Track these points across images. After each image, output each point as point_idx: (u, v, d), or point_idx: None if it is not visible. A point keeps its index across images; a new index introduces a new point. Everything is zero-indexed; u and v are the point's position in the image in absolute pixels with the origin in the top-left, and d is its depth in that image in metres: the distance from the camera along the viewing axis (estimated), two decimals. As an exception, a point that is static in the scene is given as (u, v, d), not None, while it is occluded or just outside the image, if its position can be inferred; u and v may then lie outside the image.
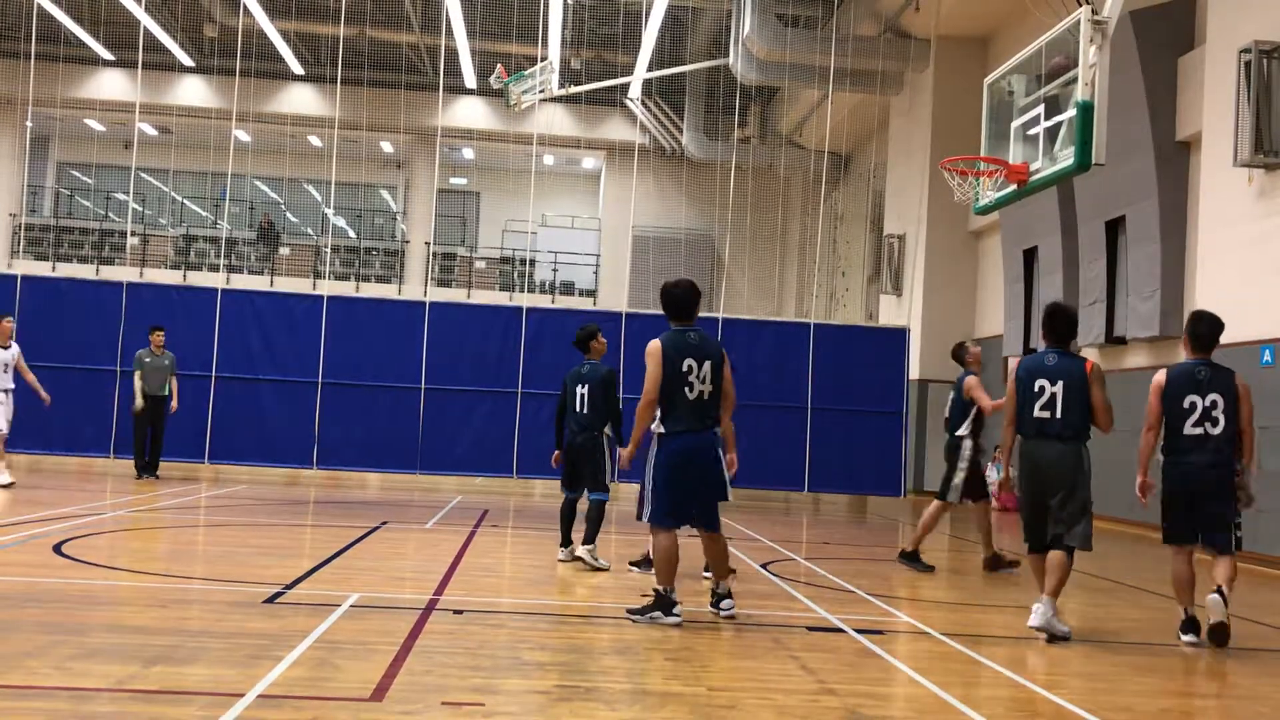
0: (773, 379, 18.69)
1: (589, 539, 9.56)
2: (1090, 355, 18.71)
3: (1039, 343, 21.41)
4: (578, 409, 9.58)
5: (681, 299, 7.44)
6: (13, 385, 14.12)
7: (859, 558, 11.73)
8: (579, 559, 9.58)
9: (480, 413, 18.18)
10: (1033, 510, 7.40)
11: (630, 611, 7.15)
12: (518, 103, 23.65)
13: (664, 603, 7.04)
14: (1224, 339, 14.08)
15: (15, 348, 14.29)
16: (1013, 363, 7.90)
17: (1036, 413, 7.34)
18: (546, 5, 23.52)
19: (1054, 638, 7.05)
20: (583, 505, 9.78)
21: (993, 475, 20.88)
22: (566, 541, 9.80)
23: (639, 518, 7.52)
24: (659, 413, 7.33)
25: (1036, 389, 7.37)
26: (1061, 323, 7.61)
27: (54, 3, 26.26)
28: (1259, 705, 5.86)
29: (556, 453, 9.90)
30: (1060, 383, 7.32)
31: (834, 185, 30.09)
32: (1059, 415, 7.29)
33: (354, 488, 18.06)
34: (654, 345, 7.30)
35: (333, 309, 18.40)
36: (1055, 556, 7.22)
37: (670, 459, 7.20)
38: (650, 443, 7.37)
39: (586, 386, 9.55)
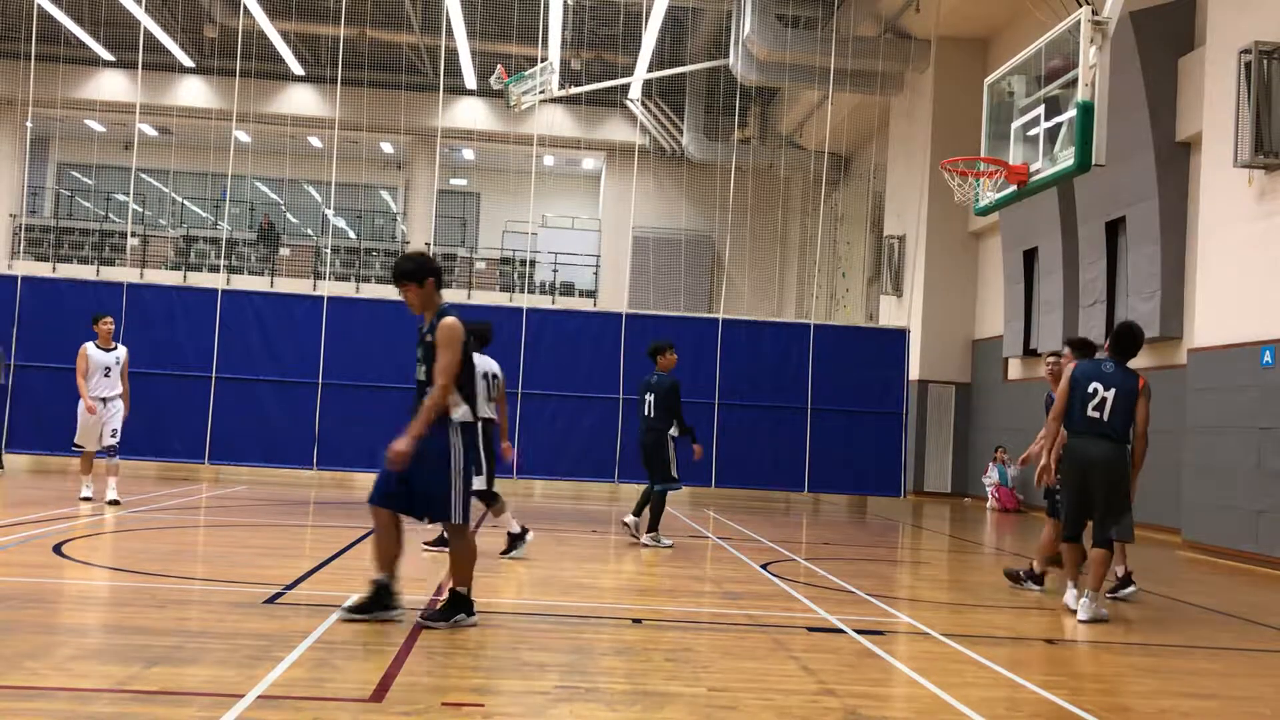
0: (773, 380, 18.70)
1: (652, 526, 11.27)
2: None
3: (1039, 343, 21.44)
4: (646, 413, 11.31)
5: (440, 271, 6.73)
6: (118, 390, 12.64)
7: (859, 558, 11.73)
8: (642, 545, 11.22)
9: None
10: (1079, 501, 8.11)
11: (429, 617, 6.49)
12: (518, 103, 23.65)
13: (466, 603, 6.58)
14: (1224, 340, 14.12)
15: (121, 350, 12.81)
16: (1070, 364, 8.49)
17: (1089, 412, 8.06)
18: (546, 6, 23.53)
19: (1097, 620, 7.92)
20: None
21: (993, 476, 20.91)
22: (637, 512, 11.49)
23: (455, 519, 6.49)
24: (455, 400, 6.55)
25: (1090, 390, 8.10)
26: (1127, 340, 8.32)
27: (54, 3, 26.27)
28: (1259, 706, 5.86)
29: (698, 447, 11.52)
30: (1113, 390, 8.06)
31: (834, 186, 30.10)
32: (1107, 418, 8.04)
33: (355, 488, 18.06)
34: (459, 325, 6.46)
35: (333, 310, 18.40)
36: (1099, 554, 8.00)
37: (472, 451, 6.64)
38: (447, 433, 6.47)
39: (654, 395, 11.30)
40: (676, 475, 11.32)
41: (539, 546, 11.14)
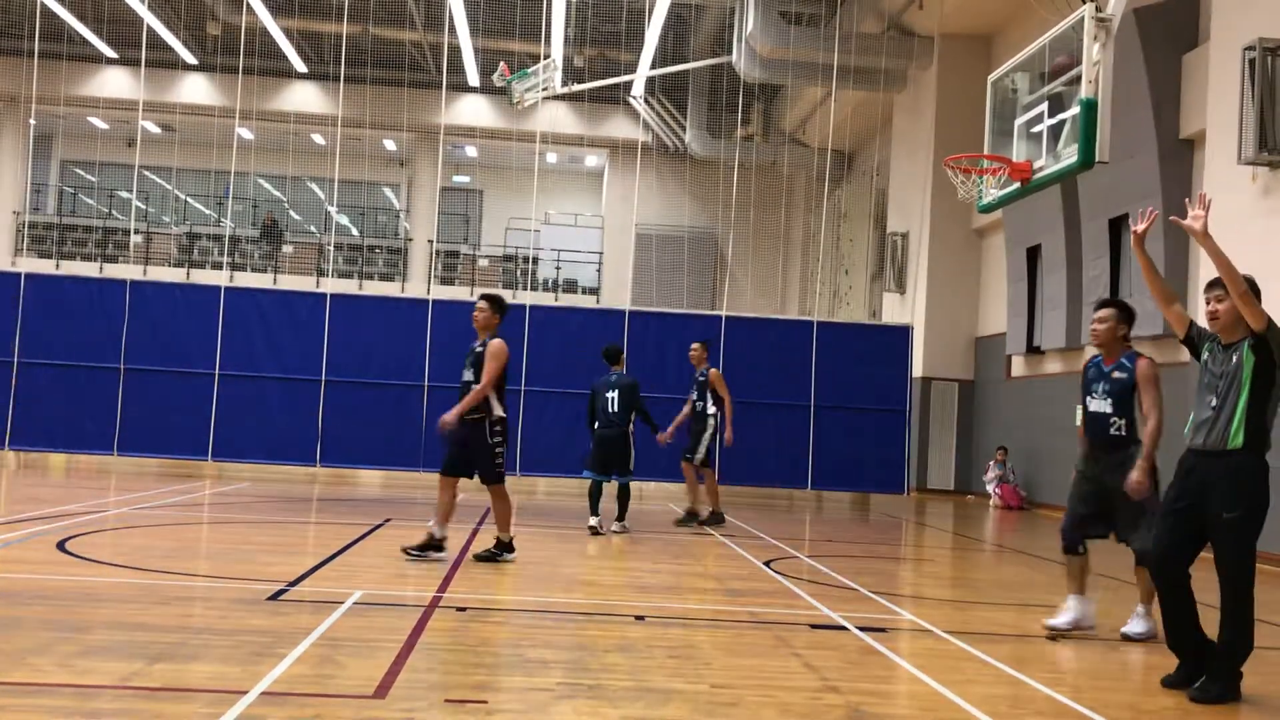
0: (776, 377, 18.69)
1: (621, 516, 12.29)
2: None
3: (1042, 340, 21.34)
4: (610, 409, 12.09)
5: None
6: None
7: (862, 555, 11.72)
8: (614, 532, 12.08)
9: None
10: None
11: None
12: (520, 100, 23.64)
13: None
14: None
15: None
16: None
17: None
18: (549, 3, 23.52)
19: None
20: (610, 488, 12.45)
21: (993, 474, 20.89)
22: (595, 511, 12.07)
23: None
24: None
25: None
26: None
27: (57, 1, 26.28)
28: (1261, 704, 5.86)
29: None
30: None
31: (837, 183, 30.07)
32: None
33: (358, 484, 18.08)
34: None
35: (336, 307, 18.41)
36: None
37: None
38: None
39: (616, 391, 12.09)
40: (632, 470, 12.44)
41: (541, 544, 11.13)
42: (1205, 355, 6.02)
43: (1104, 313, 7.50)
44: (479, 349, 9.39)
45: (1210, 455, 5.82)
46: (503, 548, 9.40)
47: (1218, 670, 5.78)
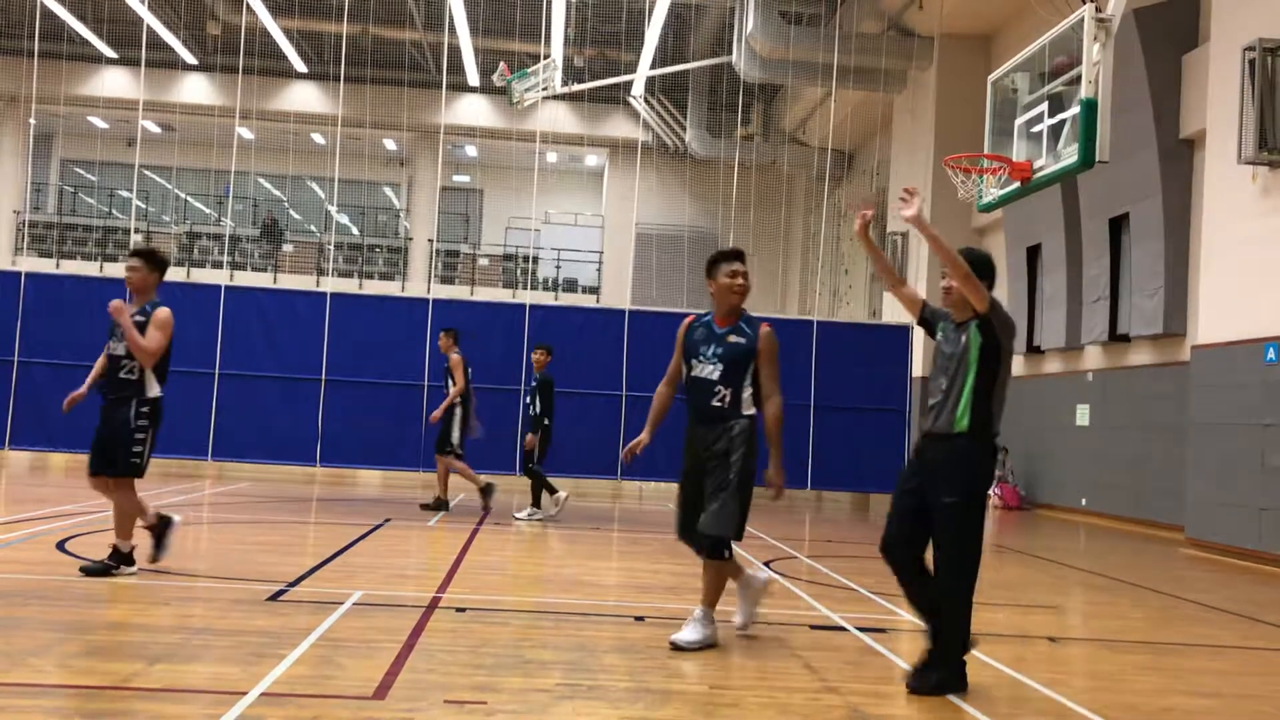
0: (776, 376, 18.68)
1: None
2: (1094, 353, 18.69)
3: (1042, 340, 21.33)
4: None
5: None
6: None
7: (862, 556, 11.72)
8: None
9: (483, 410, 18.18)
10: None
11: None
12: (520, 100, 23.65)
13: None
14: (1227, 337, 14.07)
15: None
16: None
17: None
18: (549, 3, 23.51)
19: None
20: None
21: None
22: (552, 490, 13.45)
23: None
24: None
25: None
26: None
27: (57, 1, 26.28)
28: (1262, 705, 5.86)
29: (531, 436, 13.59)
30: None
31: (837, 183, 30.05)
32: None
33: (357, 484, 18.07)
34: None
35: (336, 306, 18.41)
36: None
37: None
38: None
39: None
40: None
41: (542, 544, 11.14)
42: (939, 336, 5.84)
43: (736, 266, 6.48)
44: (137, 316, 8.08)
45: (937, 439, 5.65)
46: (120, 559, 7.72)
47: (937, 656, 5.57)
